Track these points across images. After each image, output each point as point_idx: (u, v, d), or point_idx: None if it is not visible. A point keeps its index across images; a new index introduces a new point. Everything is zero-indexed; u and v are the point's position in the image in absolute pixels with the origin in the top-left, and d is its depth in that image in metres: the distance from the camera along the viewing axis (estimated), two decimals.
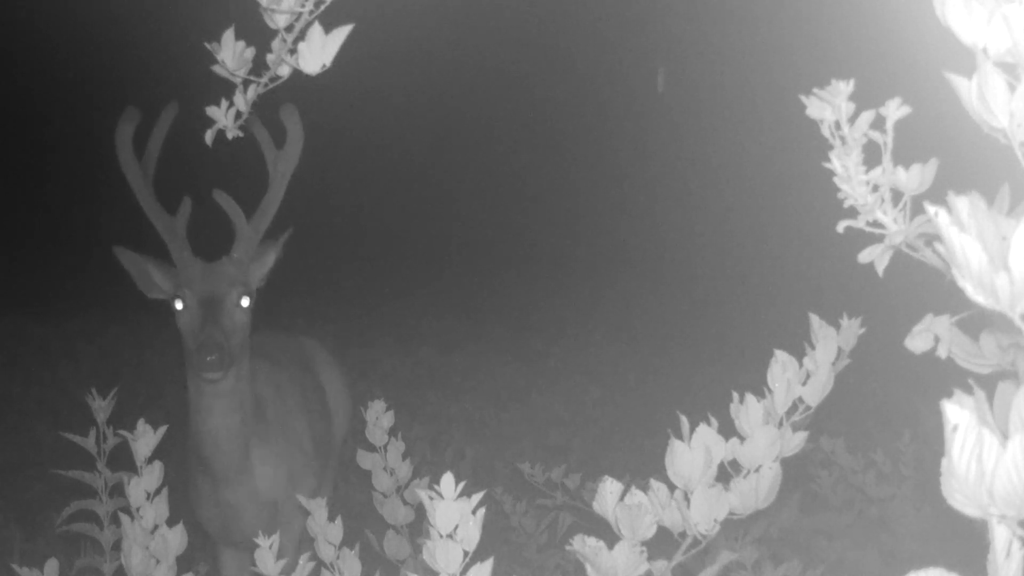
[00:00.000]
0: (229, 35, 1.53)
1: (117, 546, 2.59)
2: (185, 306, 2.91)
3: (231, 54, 1.53)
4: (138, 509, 2.04)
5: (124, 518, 2.05)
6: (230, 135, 1.67)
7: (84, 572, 2.84)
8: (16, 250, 8.73)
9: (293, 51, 1.49)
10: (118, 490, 2.52)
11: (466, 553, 1.59)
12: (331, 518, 2.17)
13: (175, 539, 2.04)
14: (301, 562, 2.00)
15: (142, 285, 3.00)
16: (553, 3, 10.54)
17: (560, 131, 11.42)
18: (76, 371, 5.90)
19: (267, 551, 1.98)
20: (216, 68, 1.56)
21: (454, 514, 1.58)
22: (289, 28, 1.47)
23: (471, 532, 1.59)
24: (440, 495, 1.58)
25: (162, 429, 2.11)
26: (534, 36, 11.20)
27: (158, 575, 2.02)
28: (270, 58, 1.53)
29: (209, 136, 1.66)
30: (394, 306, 7.90)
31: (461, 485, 1.59)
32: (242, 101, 1.60)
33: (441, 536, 1.58)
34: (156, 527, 2.04)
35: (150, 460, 2.07)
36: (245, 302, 2.95)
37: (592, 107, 11.47)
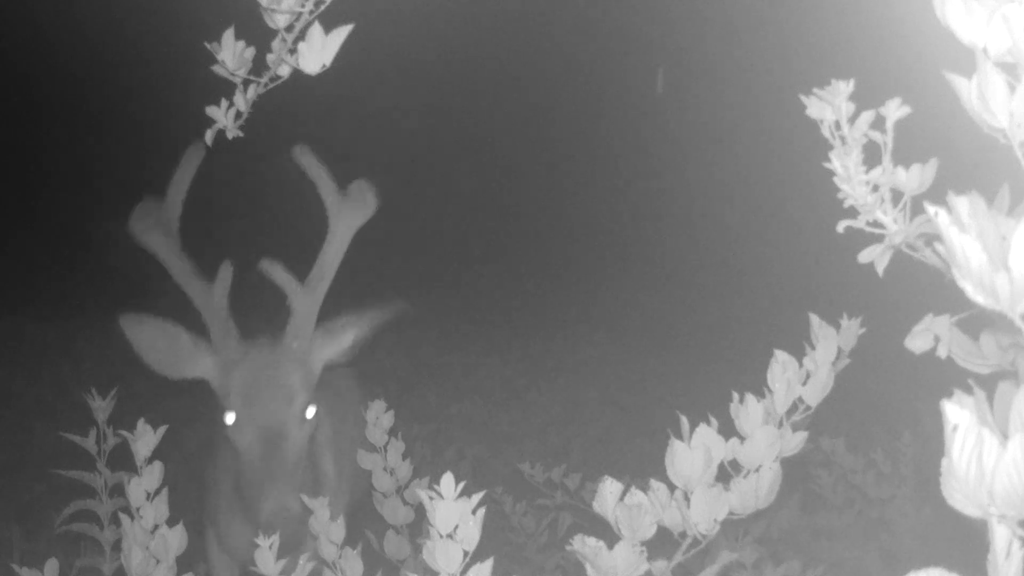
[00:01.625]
0: (229, 35, 1.54)
1: (117, 546, 2.59)
2: (239, 427, 2.39)
3: (231, 54, 1.54)
4: (138, 509, 2.04)
5: (124, 518, 2.05)
6: (230, 135, 1.67)
7: (84, 572, 2.84)
8: (16, 250, 8.73)
9: (293, 51, 1.50)
10: (118, 490, 2.52)
11: (466, 553, 1.60)
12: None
13: (175, 539, 2.04)
14: (301, 562, 2.00)
15: (166, 363, 2.44)
16: (552, 3, 10.54)
17: (559, 131, 11.42)
18: (76, 371, 5.89)
19: (267, 551, 1.98)
20: (216, 68, 1.57)
21: (454, 514, 1.58)
22: (289, 28, 1.48)
23: (471, 532, 1.59)
24: (440, 495, 1.58)
25: (162, 429, 2.11)
26: (533, 36, 11.20)
27: (158, 575, 2.02)
28: (270, 58, 1.54)
29: (209, 136, 1.67)
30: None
31: (461, 485, 1.59)
32: (242, 101, 1.60)
33: (441, 536, 1.58)
34: (156, 527, 2.04)
35: (150, 460, 2.07)
36: (310, 413, 2.44)
37: (591, 107, 11.47)
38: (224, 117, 1.61)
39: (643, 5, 10.39)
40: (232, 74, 1.55)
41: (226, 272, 2.39)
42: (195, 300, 2.44)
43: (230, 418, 2.39)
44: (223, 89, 1.63)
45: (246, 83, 1.59)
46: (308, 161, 2.53)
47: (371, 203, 2.56)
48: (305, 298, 2.46)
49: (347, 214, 2.52)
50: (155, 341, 2.43)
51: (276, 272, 2.43)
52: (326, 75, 1.51)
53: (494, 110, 11.35)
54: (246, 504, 2.40)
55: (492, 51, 11.04)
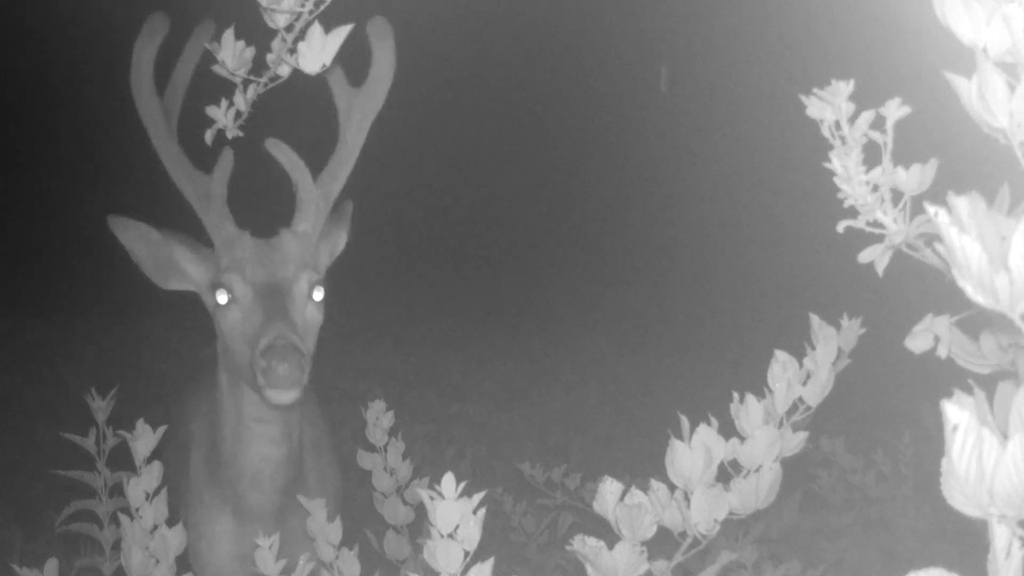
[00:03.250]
0: (229, 35, 1.54)
1: (117, 546, 2.59)
2: (233, 299, 2.16)
3: (231, 54, 1.54)
4: (137, 509, 2.04)
5: (123, 518, 2.05)
6: (230, 135, 1.67)
7: (84, 572, 2.84)
8: (16, 250, 8.73)
9: (293, 51, 1.50)
10: (118, 490, 2.52)
11: (467, 553, 1.60)
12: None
13: (174, 539, 2.04)
14: (301, 562, 2.00)
15: (154, 270, 2.23)
16: (554, 1, 10.54)
17: (560, 130, 11.42)
18: (76, 371, 5.90)
19: (267, 551, 1.98)
20: (216, 68, 1.57)
21: (455, 514, 1.58)
22: (289, 28, 1.48)
23: (472, 532, 1.59)
24: (441, 495, 1.58)
25: (161, 429, 2.11)
26: (535, 35, 11.19)
27: (157, 575, 2.02)
28: (270, 58, 1.54)
29: (209, 136, 1.67)
30: (394, 306, 7.90)
31: (462, 485, 1.59)
32: (242, 101, 1.60)
33: (442, 536, 1.58)
34: (155, 527, 2.04)
35: (149, 460, 2.07)
36: (318, 294, 2.23)
37: (593, 106, 11.47)
38: (224, 117, 1.61)
39: (645, 5, 10.38)
40: (232, 74, 1.56)
41: (227, 159, 2.14)
42: (187, 192, 2.21)
43: (222, 296, 2.16)
44: (225, 90, 1.64)
45: (246, 83, 1.59)
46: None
47: (386, 70, 2.28)
48: (316, 193, 2.24)
49: (359, 107, 2.28)
50: (140, 247, 2.23)
51: (282, 152, 2.18)
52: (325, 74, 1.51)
53: (495, 109, 11.35)
54: (237, 369, 2.18)
55: (494, 50, 11.03)
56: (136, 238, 2.22)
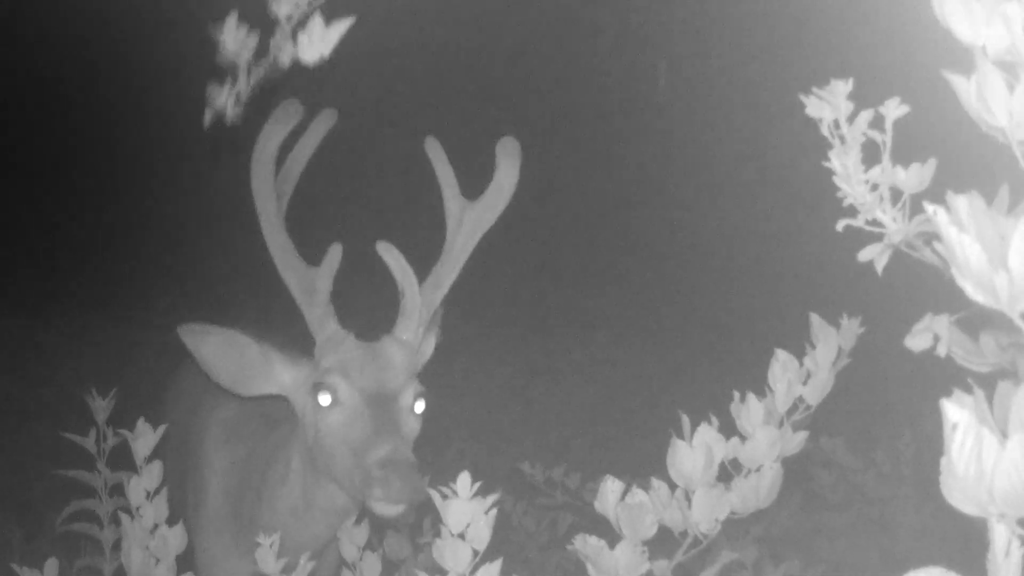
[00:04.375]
0: (232, 19, 1.54)
1: (117, 546, 2.59)
2: (337, 402, 2.06)
3: (232, 38, 1.54)
4: (138, 508, 2.04)
5: (124, 518, 2.05)
6: (229, 121, 1.66)
7: (84, 572, 2.83)
8: (15, 250, 8.72)
9: (294, 41, 1.50)
10: (118, 490, 2.52)
11: (476, 552, 1.60)
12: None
13: (175, 538, 2.05)
14: (302, 562, 2.00)
15: (236, 376, 2.10)
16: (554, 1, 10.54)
17: (558, 128, 11.41)
18: (76, 371, 5.89)
19: (267, 549, 1.98)
20: (220, 55, 1.57)
21: (466, 513, 1.58)
22: (290, 17, 1.48)
23: (482, 532, 1.59)
24: (455, 493, 1.58)
25: (161, 428, 2.11)
26: (534, 33, 11.19)
27: (158, 575, 2.03)
28: (272, 43, 1.54)
29: (207, 118, 1.66)
30: (394, 306, 7.90)
31: (477, 486, 1.60)
32: (244, 82, 1.60)
33: (452, 535, 1.59)
34: (156, 526, 2.04)
35: (150, 459, 2.07)
36: (420, 406, 2.20)
37: (591, 104, 11.46)
38: (224, 98, 1.60)
39: (644, 4, 10.39)
40: (234, 58, 1.56)
41: (335, 254, 2.10)
42: (291, 283, 2.13)
43: (325, 399, 2.06)
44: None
45: (249, 69, 1.59)
46: (436, 156, 2.32)
47: (507, 188, 2.29)
48: (421, 302, 2.23)
49: (470, 220, 2.28)
50: (222, 354, 2.11)
51: (393, 257, 2.17)
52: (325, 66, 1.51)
53: (495, 108, 11.34)
54: (330, 471, 2.06)
55: (493, 48, 11.03)
56: (218, 344, 2.10)
